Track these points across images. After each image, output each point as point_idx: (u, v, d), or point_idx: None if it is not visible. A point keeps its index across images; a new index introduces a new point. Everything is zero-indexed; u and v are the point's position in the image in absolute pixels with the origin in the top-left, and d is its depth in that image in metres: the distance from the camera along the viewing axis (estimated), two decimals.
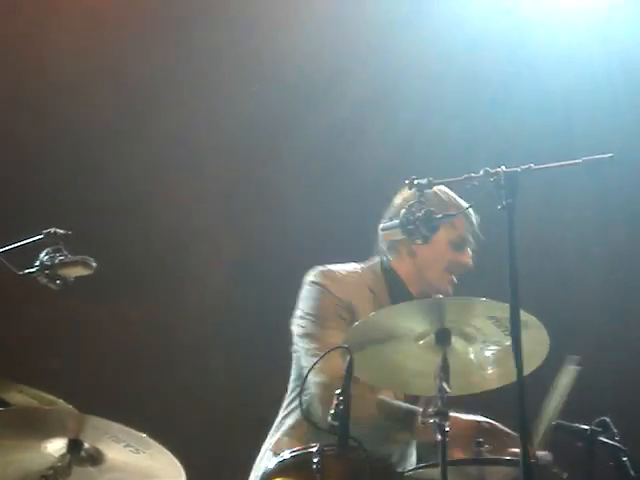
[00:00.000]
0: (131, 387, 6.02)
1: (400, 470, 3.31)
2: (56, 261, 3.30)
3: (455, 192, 3.86)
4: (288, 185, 5.99)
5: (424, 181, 3.27)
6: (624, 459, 3.49)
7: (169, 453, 3.36)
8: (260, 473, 3.39)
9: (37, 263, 3.33)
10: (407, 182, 3.30)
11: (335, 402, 3.12)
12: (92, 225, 5.56)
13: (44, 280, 3.33)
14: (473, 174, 3.17)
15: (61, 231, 3.35)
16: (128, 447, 3.34)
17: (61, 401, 3.53)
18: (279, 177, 5.99)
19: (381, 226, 3.35)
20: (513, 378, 3.20)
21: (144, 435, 3.33)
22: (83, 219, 5.34)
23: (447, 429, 3.14)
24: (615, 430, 3.49)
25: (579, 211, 5.85)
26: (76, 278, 3.35)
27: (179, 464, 3.38)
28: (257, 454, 3.93)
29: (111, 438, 3.32)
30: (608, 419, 3.51)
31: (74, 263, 3.31)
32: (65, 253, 3.31)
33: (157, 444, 3.35)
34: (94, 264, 3.31)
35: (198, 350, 6.08)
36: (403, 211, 3.29)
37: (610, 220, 5.89)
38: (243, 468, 3.55)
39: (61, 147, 5.91)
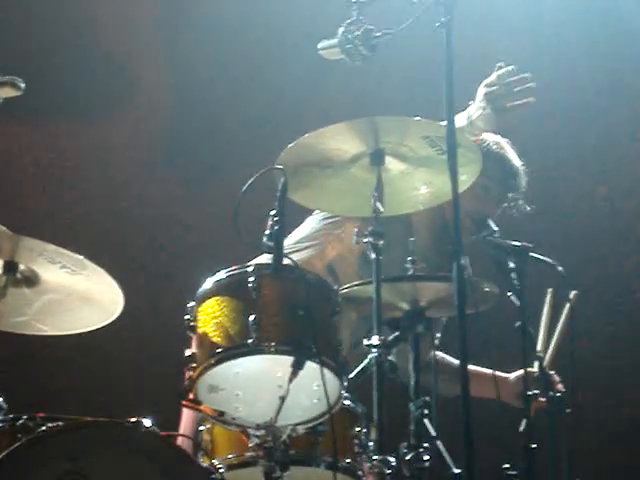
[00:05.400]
0: (66, 215, 5.98)
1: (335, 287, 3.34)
2: None
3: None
4: (225, 11, 5.83)
5: None
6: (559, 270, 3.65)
7: (107, 275, 3.35)
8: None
9: None
10: None
11: (270, 223, 3.13)
12: (23, 48, 5.40)
13: None
14: None
15: None
16: (64, 268, 3.33)
17: None
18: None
19: (319, 45, 3.28)
20: (446, 197, 3.24)
21: (81, 257, 3.32)
22: (12, 41, 5.17)
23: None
24: None
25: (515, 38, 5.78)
26: (6, 100, 3.27)
27: (118, 286, 3.39)
28: (194, 281, 3.89)
29: (46, 259, 3.31)
30: None
31: (2, 84, 3.21)
32: None
33: (95, 266, 3.34)
34: (22, 85, 3.21)
35: (136, 178, 6.03)
36: (341, 29, 3.22)
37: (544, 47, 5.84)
38: (180, 291, 3.54)
39: None
